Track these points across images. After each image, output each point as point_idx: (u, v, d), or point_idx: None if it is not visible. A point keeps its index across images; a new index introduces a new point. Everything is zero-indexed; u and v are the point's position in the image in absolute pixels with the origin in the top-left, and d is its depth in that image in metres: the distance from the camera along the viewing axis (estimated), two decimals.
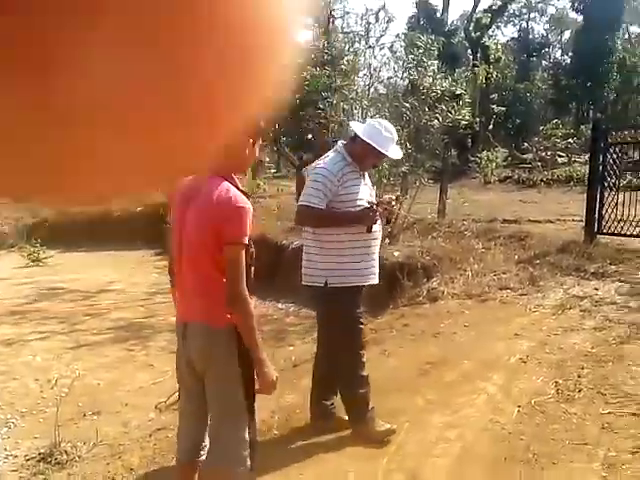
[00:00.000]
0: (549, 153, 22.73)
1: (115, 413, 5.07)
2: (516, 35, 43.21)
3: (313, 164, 4.06)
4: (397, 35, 12.65)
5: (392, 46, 11.53)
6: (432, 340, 5.75)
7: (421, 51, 10.89)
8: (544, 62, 43.95)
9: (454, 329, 5.86)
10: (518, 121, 32.40)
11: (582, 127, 27.44)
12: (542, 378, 4.63)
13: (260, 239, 10.09)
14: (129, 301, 9.15)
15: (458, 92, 11.34)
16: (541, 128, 26.45)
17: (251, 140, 2.69)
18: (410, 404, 4.38)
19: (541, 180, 19.84)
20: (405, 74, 11.21)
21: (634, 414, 4.02)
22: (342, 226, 3.75)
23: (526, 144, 26.42)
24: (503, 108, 28.92)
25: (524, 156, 25.10)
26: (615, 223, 9.18)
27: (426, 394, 4.51)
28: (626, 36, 41.22)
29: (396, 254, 8.27)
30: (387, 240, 9.37)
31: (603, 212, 9.46)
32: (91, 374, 5.86)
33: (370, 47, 11.63)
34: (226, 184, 2.62)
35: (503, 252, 8.33)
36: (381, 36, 11.58)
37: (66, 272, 11.45)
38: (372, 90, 11.64)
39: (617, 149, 9.62)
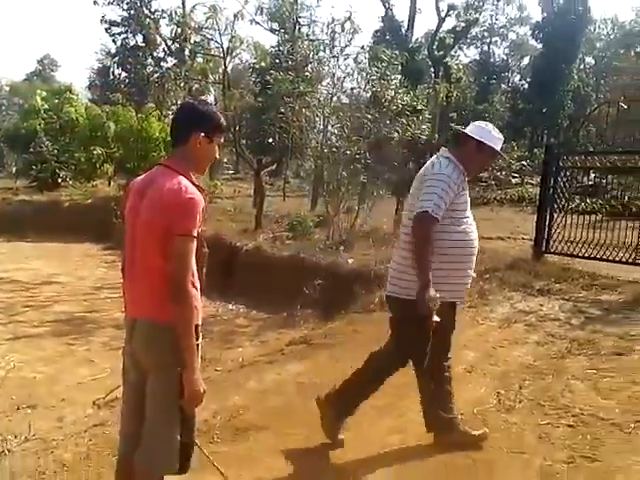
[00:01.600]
0: (504, 173, 23.24)
1: (51, 408, 4.94)
2: (477, 57, 44.11)
3: (422, 171, 3.67)
4: (362, 47, 12.74)
5: (357, 57, 11.58)
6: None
7: (385, 64, 11.03)
8: (503, 85, 44.95)
9: None
10: None
11: (536, 150, 28.14)
12: (485, 388, 4.70)
13: (214, 239, 10.03)
14: (73, 294, 8.95)
15: (419, 107, 11.51)
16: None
17: (209, 139, 2.69)
18: (359, 409, 4.36)
19: (495, 199, 20.27)
20: (368, 86, 11.32)
21: (570, 425, 4.10)
22: (421, 270, 3.38)
23: None
24: (462, 127, 29.41)
25: (481, 174, 25.55)
26: (562, 243, 9.39)
27: (372, 398, 4.50)
28: (582, 66, 42.58)
29: (350, 262, 8.30)
30: (342, 247, 9.42)
31: (552, 232, 9.68)
32: (28, 367, 5.69)
33: (334, 56, 11.69)
34: (179, 177, 2.59)
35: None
36: (346, 46, 11.60)
37: (9, 262, 11.12)
38: (335, 99, 11.66)
39: (568, 173, 9.88)
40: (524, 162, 24.45)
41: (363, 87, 11.40)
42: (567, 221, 9.35)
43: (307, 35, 16.86)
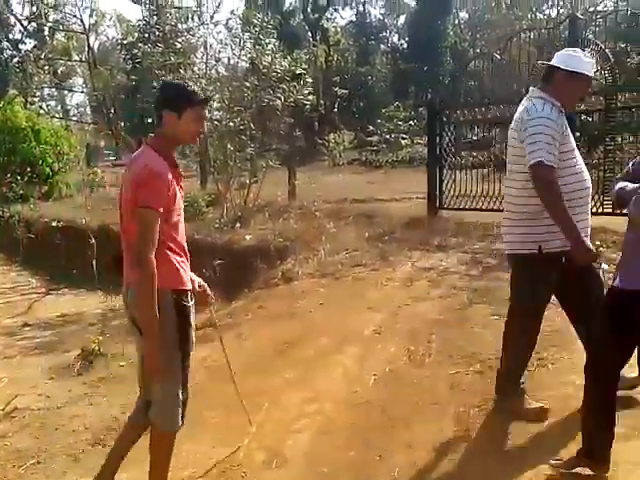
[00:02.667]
0: (393, 135, 23.83)
1: None
2: (354, 19, 44.50)
3: (517, 116, 3.44)
4: (232, 12, 12.65)
5: (227, 23, 11.43)
6: (288, 320, 5.88)
7: (258, 29, 10.96)
8: (383, 46, 45.66)
9: (310, 308, 6.02)
10: (362, 104, 33.57)
11: (421, 110, 28.93)
12: (395, 347, 4.90)
13: (102, 231, 9.74)
14: None
15: (299, 72, 11.54)
16: (383, 111, 27.63)
17: (178, 114, 2.92)
18: (269, 384, 4.47)
19: (387, 161, 20.78)
20: (243, 52, 11.25)
21: (479, 372, 4.37)
22: (563, 225, 3.25)
23: (371, 127, 27.44)
24: (346, 91, 29.82)
25: (370, 138, 26.07)
26: (455, 199, 9.82)
27: (284, 373, 4.61)
28: (456, 22, 43.95)
29: (248, 238, 8.32)
30: (238, 224, 9.41)
31: (443, 188, 10.10)
32: None
33: (204, 24, 11.49)
34: (150, 154, 2.89)
35: (354, 231, 8.66)
36: (215, 12, 11.46)
37: None
38: (212, 70, 11.50)
39: (452, 128, 10.29)
40: (411, 122, 25.13)
41: (239, 55, 11.32)
42: (457, 176, 9.78)
43: (172, 3, 16.44)
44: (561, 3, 31.58)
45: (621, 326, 2.87)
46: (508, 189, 3.60)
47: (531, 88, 3.53)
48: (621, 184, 3.00)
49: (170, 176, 2.86)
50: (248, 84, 10.58)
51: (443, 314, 5.54)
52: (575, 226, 3.23)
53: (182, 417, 3.09)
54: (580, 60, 3.38)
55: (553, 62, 3.44)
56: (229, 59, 11.54)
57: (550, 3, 35.25)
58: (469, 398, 4.02)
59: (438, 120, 10.36)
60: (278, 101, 10.53)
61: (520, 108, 3.48)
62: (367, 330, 5.25)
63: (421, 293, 6.16)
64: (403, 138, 24.11)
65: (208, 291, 3.47)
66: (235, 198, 10.72)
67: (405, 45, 41.35)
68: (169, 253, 2.94)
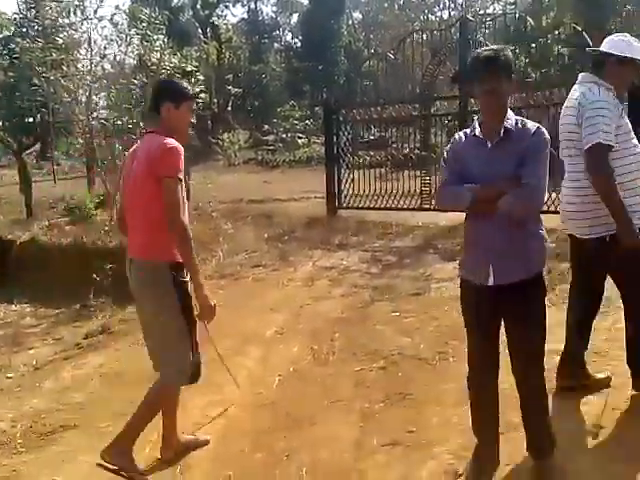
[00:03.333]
0: (289, 135, 23.97)
1: None
2: (246, 16, 44.37)
3: (571, 103, 3.51)
4: (117, 7, 12.32)
5: (112, 19, 11.13)
6: None
7: (145, 25, 10.75)
8: (276, 44, 45.80)
9: None
10: (256, 103, 33.55)
11: (317, 109, 29.29)
12: (298, 346, 4.95)
13: None
14: None
15: (189, 69, 11.41)
16: (279, 110, 27.75)
17: (175, 106, 3.37)
18: None
19: (284, 161, 20.89)
20: (130, 48, 10.99)
21: (382, 368, 4.49)
22: (612, 207, 3.28)
23: (267, 126, 27.47)
24: (239, 89, 29.71)
25: (266, 138, 26.10)
26: (354, 198, 10.02)
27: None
28: (350, 22, 44.80)
29: None
30: None
31: (342, 188, 10.27)
32: None
33: (87, 19, 11.14)
34: (160, 136, 3.29)
35: (252, 231, 8.67)
36: (98, 7, 11.09)
37: None
38: (98, 68, 11.16)
39: (348, 127, 10.49)
40: (307, 121, 25.36)
41: (125, 51, 11.06)
42: (355, 175, 9.98)
43: None
44: (452, 6, 32.87)
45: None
46: (570, 174, 3.61)
47: (582, 74, 3.59)
48: None
49: None
50: (136, 81, 10.35)
51: (345, 312, 5.65)
52: (624, 209, 3.29)
53: (197, 376, 3.44)
54: (630, 45, 3.46)
55: (603, 48, 3.52)
56: (115, 56, 11.24)
57: (442, 5, 36.63)
58: (374, 394, 4.11)
59: (335, 119, 10.54)
60: None
61: (575, 94, 3.53)
62: (269, 331, 5.27)
63: (323, 292, 6.25)
64: (300, 137, 24.30)
65: None
66: None
67: (299, 44, 41.63)
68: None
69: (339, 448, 3.53)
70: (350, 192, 10.09)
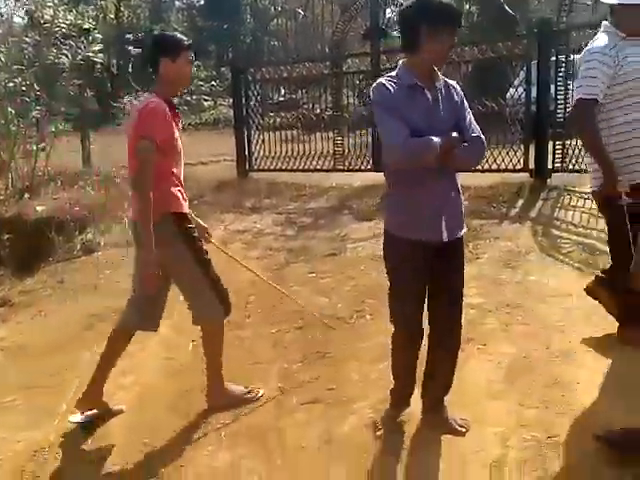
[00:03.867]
0: (194, 97, 23.48)
1: None
2: None
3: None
4: None
5: None
6: (93, 292, 5.69)
7: None
8: (177, 2, 44.47)
9: (117, 278, 5.84)
10: None
11: (223, 69, 28.80)
12: None
13: None
14: None
15: (86, 27, 10.96)
16: None
17: (172, 60, 3.38)
18: (78, 360, 4.30)
19: (189, 124, 20.46)
20: (19, 4, 10.45)
21: (299, 328, 4.55)
22: (596, 160, 3.51)
23: None
24: (140, 50, 28.77)
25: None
26: (265, 160, 9.98)
27: (94, 347, 4.44)
28: None
29: (40, 209, 7.83)
30: (27, 195, 8.83)
31: (252, 150, 10.21)
32: None
33: None
34: (150, 97, 3.36)
35: None
36: None
37: None
38: None
39: (257, 87, 10.38)
40: (214, 83, 24.91)
41: (13, 8, 10.51)
42: (266, 137, 9.94)
43: None
44: None
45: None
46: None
47: (603, 22, 3.64)
48: None
49: (169, 114, 3.33)
50: (28, 40, 9.86)
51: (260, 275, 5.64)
52: (607, 160, 3.45)
53: (229, 308, 3.72)
54: None
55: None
56: (1, 14, 10.65)
57: None
58: (292, 354, 4.17)
59: (243, 80, 10.41)
60: (64, 59, 9.92)
61: None
62: (181, 297, 5.20)
63: (237, 256, 6.20)
64: (205, 100, 23.87)
65: (205, 226, 4.08)
66: (22, 166, 9.99)
67: (202, 2, 40.61)
68: (168, 182, 3.41)
69: (259, 408, 3.57)
70: (261, 154, 10.05)
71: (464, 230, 3.00)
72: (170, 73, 3.40)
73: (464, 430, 3.09)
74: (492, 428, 3.10)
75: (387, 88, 2.73)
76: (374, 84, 2.81)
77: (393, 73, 2.82)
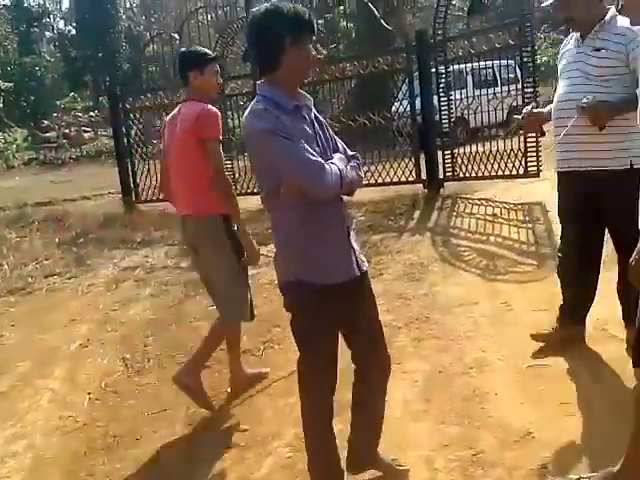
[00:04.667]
0: (73, 129, 22.63)
1: None
2: (8, 3, 41.17)
3: None
4: None
5: None
6: None
7: None
8: (48, 33, 43.05)
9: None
10: (32, 98, 31.27)
11: (102, 99, 27.92)
12: (108, 358, 4.59)
13: None
14: None
15: None
16: (58, 103, 26.12)
17: (200, 72, 3.71)
18: None
19: (70, 158, 19.67)
20: None
21: (206, 366, 4.26)
22: None
23: (46, 122, 25.72)
24: (10, 84, 27.50)
25: (47, 135, 24.38)
26: (152, 190, 9.64)
27: None
28: (128, 5, 43.28)
29: None
30: None
31: (138, 181, 9.84)
32: None
33: None
34: (200, 103, 3.65)
35: (41, 237, 8.00)
36: None
37: None
38: None
39: (139, 116, 10.05)
40: (92, 113, 24.13)
41: None
42: (152, 167, 9.60)
43: None
44: None
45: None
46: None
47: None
48: None
49: None
50: None
51: (157, 313, 5.37)
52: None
53: (253, 315, 3.88)
54: None
55: None
56: None
57: None
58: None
59: (122, 109, 10.06)
60: None
61: None
62: (73, 345, 4.84)
63: (129, 295, 5.90)
64: (85, 131, 23.05)
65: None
66: None
67: (73, 31, 39.51)
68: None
69: (168, 462, 3.30)
70: (147, 185, 9.70)
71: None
72: (199, 83, 3.74)
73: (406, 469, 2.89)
74: (416, 452, 2.99)
75: (272, 114, 2.30)
76: (249, 114, 2.37)
77: (259, 98, 2.39)
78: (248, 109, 2.40)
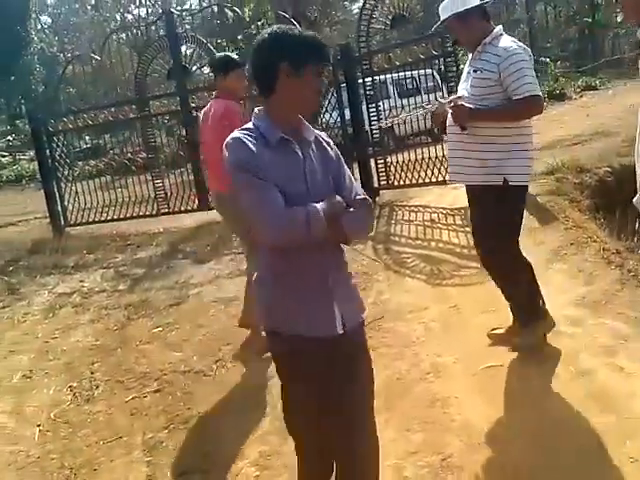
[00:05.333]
0: None
1: None
2: None
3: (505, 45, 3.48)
4: None
5: None
6: None
7: None
8: None
9: None
10: None
11: (19, 122, 26.99)
12: (54, 387, 4.40)
13: None
14: None
15: None
16: None
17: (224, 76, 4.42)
18: None
19: None
20: None
21: (157, 390, 4.17)
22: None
23: None
24: None
25: None
26: (82, 212, 9.36)
27: None
28: (39, 26, 42.19)
29: None
30: None
31: (65, 204, 9.53)
32: None
33: None
34: (224, 101, 4.37)
35: None
36: None
37: None
38: None
39: (61, 138, 9.78)
40: (9, 137, 23.34)
41: None
42: (79, 189, 9.33)
43: None
44: (149, 3, 32.33)
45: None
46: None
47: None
48: None
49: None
50: None
51: (100, 339, 5.19)
52: None
53: None
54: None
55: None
56: None
57: (137, 3, 35.81)
58: (154, 421, 3.80)
59: (44, 131, 9.76)
60: None
61: None
62: (15, 376, 4.62)
63: (68, 321, 5.69)
64: (3, 156, 22.24)
65: None
66: None
67: None
68: None
69: None
70: (76, 207, 9.41)
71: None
72: (224, 85, 4.45)
73: None
74: (384, 461, 2.94)
75: (247, 146, 2.11)
76: (229, 140, 2.17)
77: (249, 125, 2.20)
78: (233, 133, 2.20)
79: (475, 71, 3.55)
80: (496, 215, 3.54)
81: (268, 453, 3.13)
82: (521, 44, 3.57)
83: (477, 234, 3.78)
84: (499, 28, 3.60)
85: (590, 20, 28.68)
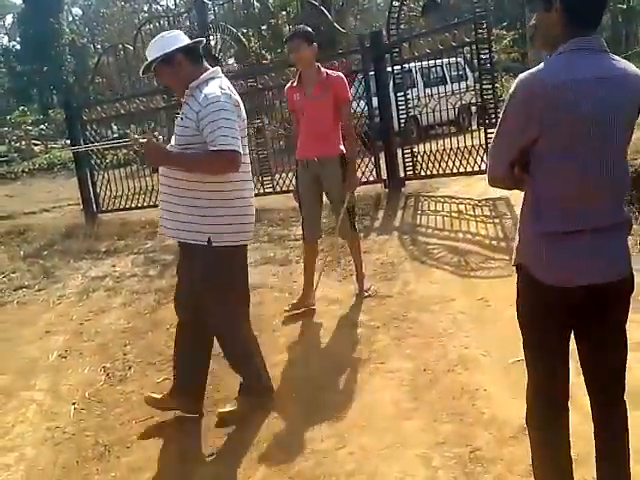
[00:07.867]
0: (24, 143, 22.05)
1: None
2: None
3: None
4: None
5: None
6: None
7: None
8: None
9: None
10: None
11: (51, 112, 27.27)
12: (89, 367, 4.45)
13: None
14: None
15: None
16: (8, 118, 25.45)
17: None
18: None
19: (23, 171, 19.12)
20: None
21: None
22: None
23: None
24: None
25: None
26: (113, 199, 9.46)
27: None
28: (70, 18, 42.54)
29: None
30: None
31: (97, 191, 9.65)
32: None
33: None
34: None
35: (5, 251, 7.77)
36: None
37: None
38: None
39: (94, 127, 9.88)
40: (42, 126, 23.56)
41: None
42: (110, 176, 9.43)
43: None
44: None
45: None
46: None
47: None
48: None
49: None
50: None
51: (132, 321, 5.24)
52: None
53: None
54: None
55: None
56: None
57: None
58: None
59: (78, 120, 9.87)
60: None
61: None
62: (51, 356, 4.69)
63: (101, 304, 5.76)
64: (36, 144, 22.46)
65: None
66: None
67: (18, 46, 38.67)
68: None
69: (162, 467, 3.21)
70: (107, 194, 9.52)
71: None
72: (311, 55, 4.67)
73: None
74: (412, 450, 2.96)
75: None
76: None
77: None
78: None
79: (181, 118, 3.25)
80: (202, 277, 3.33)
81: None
82: (229, 91, 3.23)
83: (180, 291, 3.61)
84: (212, 71, 3.32)
85: (624, 6, 28.16)
